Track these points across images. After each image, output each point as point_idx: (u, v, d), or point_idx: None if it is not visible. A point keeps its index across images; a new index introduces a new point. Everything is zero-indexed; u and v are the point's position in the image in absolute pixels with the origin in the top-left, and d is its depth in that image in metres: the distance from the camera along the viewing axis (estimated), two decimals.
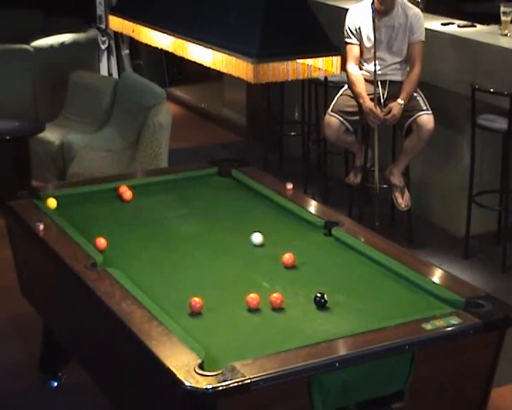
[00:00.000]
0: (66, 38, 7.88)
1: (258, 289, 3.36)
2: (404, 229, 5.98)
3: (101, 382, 3.58)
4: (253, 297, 3.25)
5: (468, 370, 3.13)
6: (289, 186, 4.34)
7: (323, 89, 6.41)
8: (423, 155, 5.98)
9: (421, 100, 5.69)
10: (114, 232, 3.92)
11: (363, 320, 3.16)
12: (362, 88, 5.72)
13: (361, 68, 5.82)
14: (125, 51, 8.42)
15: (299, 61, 3.46)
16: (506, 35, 5.73)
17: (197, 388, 2.67)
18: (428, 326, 3.00)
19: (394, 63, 5.76)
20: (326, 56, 3.49)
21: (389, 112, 5.64)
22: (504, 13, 5.76)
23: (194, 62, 3.82)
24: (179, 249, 3.82)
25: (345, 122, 5.82)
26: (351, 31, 5.77)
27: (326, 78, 6.12)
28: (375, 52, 5.64)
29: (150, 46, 4.21)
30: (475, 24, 6.08)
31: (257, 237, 3.80)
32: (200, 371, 2.73)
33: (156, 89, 6.46)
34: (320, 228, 3.91)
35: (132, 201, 4.29)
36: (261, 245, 3.79)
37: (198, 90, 9.84)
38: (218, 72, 3.68)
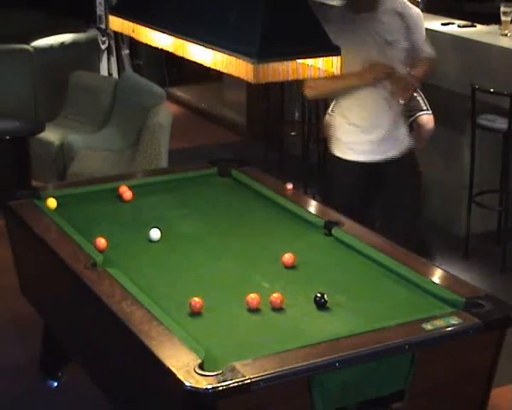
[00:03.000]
0: (66, 38, 7.88)
1: (258, 289, 3.36)
2: None
3: (101, 382, 3.58)
4: (252, 297, 3.25)
5: (468, 370, 3.13)
6: (289, 186, 4.34)
7: None
8: (423, 155, 5.97)
9: (421, 100, 5.68)
10: (114, 232, 3.92)
11: (363, 320, 3.16)
12: None
13: None
14: (125, 51, 8.42)
15: (299, 61, 3.46)
16: (506, 35, 5.74)
17: (197, 388, 2.67)
18: (428, 326, 3.00)
19: None
20: (326, 56, 3.49)
21: None
22: (504, 13, 5.76)
23: (194, 62, 3.82)
24: (179, 249, 3.82)
25: None
26: None
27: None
28: None
29: (150, 46, 4.21)
30: (475, 24, 6.08)
31: (155, 233, 3.82)
32: (201, 372, 2.73)
33: (156, 89, 6.46)
34: (320, 228, 3.91)
35: (132, 201, 4.29)
36: (157, 241, 3.81)
37: (198, 90, 9.85)
38: (218, 72, 3.68)
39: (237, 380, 2.68)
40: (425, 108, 5.65)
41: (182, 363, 2.78)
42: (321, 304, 3.24)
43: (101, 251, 3.65)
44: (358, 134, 4.54)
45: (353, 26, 4.43)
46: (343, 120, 4.58)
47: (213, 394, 2.66)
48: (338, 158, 4.61)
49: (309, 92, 4.68)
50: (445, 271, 3.54)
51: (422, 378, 2.99)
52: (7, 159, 6.33)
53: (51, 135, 6.67)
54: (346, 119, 4.57)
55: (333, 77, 4.29)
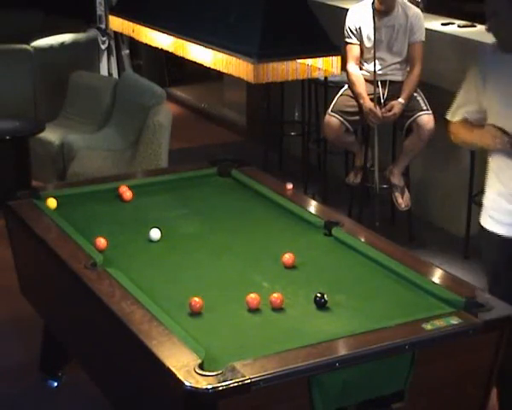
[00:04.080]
0: (66, 38, 7.88)
1: (259, 289, 3.36)
2: (404, 229, 5.98)
3: (101, 382, 3.58)
4: (253, 297, 3.25)
5: (468, 370, 3.12)
6: (289, 186, 4.34)
7: (323, 89, 6.41)
8: (423, 155, 5.98)
9: (421, 100, 5.69)
10: (114, 232, 3.92)
11: (363, 320, 3.16)
12: (362, 88, 5.73)
13: (361, 68, 5.82)
14: (125, 51, 8.42)
15: (299, 61, 3.47)
16: None
17: (197, 388, 2.67)
18: (428, 326, 3.00)
19: (394, 63, 5.76)
20: (326, 56, 3.50)
21: (390, 109, 5.64)
22: None
23: (194, 62, 3.83)
24: (179, 249, 3.82)
25: (345, 122, 5.82)
26: (351, 31, 5.78)
27: (326, 78, 6.13)
28: (374, 52, 5.64)
29: (150, 46, 4.21)
30: (475, 24, 6.07)
31: (155, 233, 3.83)
32: (201, 372, 2.73)
33: (156, 89, 6.46)
34: (320, 228, 3.91)
35: (132, 201, 4.29)
36: (157, 241, 3.82)
37: (198, 90, 9.85)
38: (218, 72, 3.68)
39: (237, 380, 2.68)
40: (425, 108, 5.66)
41: (182, 363, 2.78)
42: (321, 304, 3.24)
43: (101, 251, 3.65)
44: (499, 201, 3.66)
45: (503, 68, 3.59)
46: (487, 181, 3.75)
47: (213, 394, 2.66)
48: (481, 226, 3.77)
49: (454, 139, 3.87)
50: (445, 271, 3.54)
51: (422, 378, 2.99)
52: (7, 159, 6.34)
53: (51, 135, 6.67)
54: (489, 181, 3.74)
55: (473, 128, 3.69)
